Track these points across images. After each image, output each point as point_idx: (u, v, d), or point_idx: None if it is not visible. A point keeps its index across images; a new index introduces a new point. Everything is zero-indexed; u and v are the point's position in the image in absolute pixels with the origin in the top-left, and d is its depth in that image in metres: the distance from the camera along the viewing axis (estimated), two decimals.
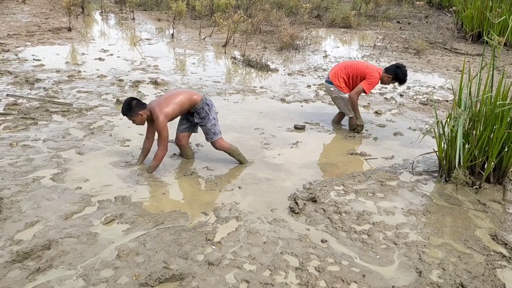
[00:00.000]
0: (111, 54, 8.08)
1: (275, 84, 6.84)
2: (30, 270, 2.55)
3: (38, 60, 7.29)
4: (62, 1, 10.55)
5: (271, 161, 4.22)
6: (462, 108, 3.72)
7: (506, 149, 3.70)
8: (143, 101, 4.09)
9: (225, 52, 8.83)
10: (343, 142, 4.83)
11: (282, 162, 4.20)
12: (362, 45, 10.28)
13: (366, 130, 5.12)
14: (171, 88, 6.23)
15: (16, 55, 7.48)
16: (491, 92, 3.71)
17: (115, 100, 5.58)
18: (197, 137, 4.33)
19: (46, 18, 10.93)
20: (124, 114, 3.71)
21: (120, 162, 3.99)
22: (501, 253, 2.95)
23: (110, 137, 4.51)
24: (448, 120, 3.77)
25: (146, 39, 9.64)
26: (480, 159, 3.78)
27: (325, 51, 9.51)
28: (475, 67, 7.89)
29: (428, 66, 8.48)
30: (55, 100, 5.44)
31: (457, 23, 11.62)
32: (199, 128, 4.07)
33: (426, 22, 13.55)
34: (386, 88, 6.86)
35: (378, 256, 2.86)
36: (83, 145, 4.28)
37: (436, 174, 4.07)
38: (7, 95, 5.48)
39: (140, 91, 6.05)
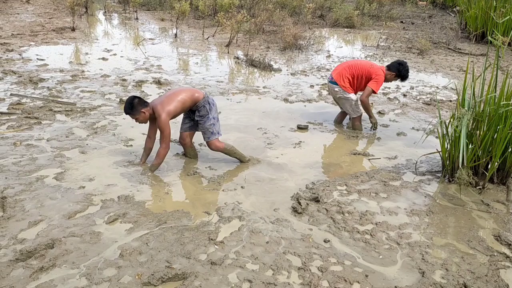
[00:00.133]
0: (115, 54, 8.10)
1: (278, 84, 6.84)
2: (34, 269, 2.56)
3: (42, 59, 7.32)
4: (66, 1, 10.60)
5: (274, 161, 4.22)
6: (466, 108, 3.71)
7: (510, 150, 3.69)
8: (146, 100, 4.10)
9: (228, 52, 8.84)
10: (346, 142, 4.82)
11: (285, 162, 4.20)
12: (366, 45, 10.27)
13: (369, 130, 5.13)
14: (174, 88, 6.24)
15: (20, 54, 7.51)
16: (495, 92, 3.70)
17: (118, 99, 5.60)
18: (200, 137, 4.33)
19: (50, 18, 10.97)
20: (126, 113, 3.72)
21: (123, 161, 4.00)
22: (505, 254, 2.94)
23: (114, 137, 4.52)
24: (452, 120, 3.76)
25: (150, 39, 9.65)
26: (484, 160, 3.76)
27: (328, 51, 9.50)
28: (479, 67, 7.85)
29: (432, 66, 8.46)
30: (59, 99, 5.46)
31: (461, 23, 11.59)
32: None
33: (430, 22, 13.52)
34: (389, 88, 6.84)
35: (381, 256, 2.85)
36: (87, 144, 4.30)
37: (439, 174, 4.05)
38: (11, 94, 5.50)
39: (143, 91, 6.06)
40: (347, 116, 5.26)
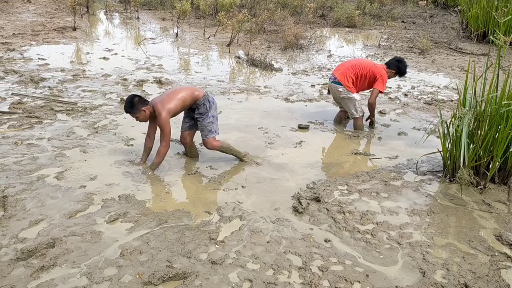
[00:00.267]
0: (116, 54, 8.11)
1: (279, 84, 6.83)
2: (34, 268, 2.56)
3: (43, 59, 7.33)
4: (67, 1, 10.61)
5: (275, 160, 4.22)
6: (467, 108, 3.70)
7: (511, 149, 3.68)
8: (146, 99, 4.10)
9: (229, 52, 8.84)
10: (347, 141, 4.82)
11: (285, 162, 4.19)
12: (367, 45, 10.26)
13: (366, 127, 5.14)
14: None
15: (21, 54, 7.52)
16: (497, 92, 3.69)
17: (119, 99, 5.60)
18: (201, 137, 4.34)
19: (51, 18, 10.98)
20: (127, 112, 3.71)
21: (124, 161, 4.00)
22: (506, 254, 2.94)
23: (114, 136, 4.52)
24: (453, 120, 3.76)
25: (151, 38, 9.66)
26: (485, 159, 3.76)
27: (330, 50, 9.49)
28: (480, 66, 7.84)
29: (433, 65, 8.44)
30: (60, 99, 5.46)
31: (462, 22, 11.56)
32: None
33: (431, 21, 13.50)
34: (390, 88, 6.83)
35: (381, 256, 2.85)
36: (87, 144, 4.30)
37: (440, 174, 4.05)
38: (12, 94, 5.51)
39: (144, 90, 6.06)
40: (347, 115, 5.25)
